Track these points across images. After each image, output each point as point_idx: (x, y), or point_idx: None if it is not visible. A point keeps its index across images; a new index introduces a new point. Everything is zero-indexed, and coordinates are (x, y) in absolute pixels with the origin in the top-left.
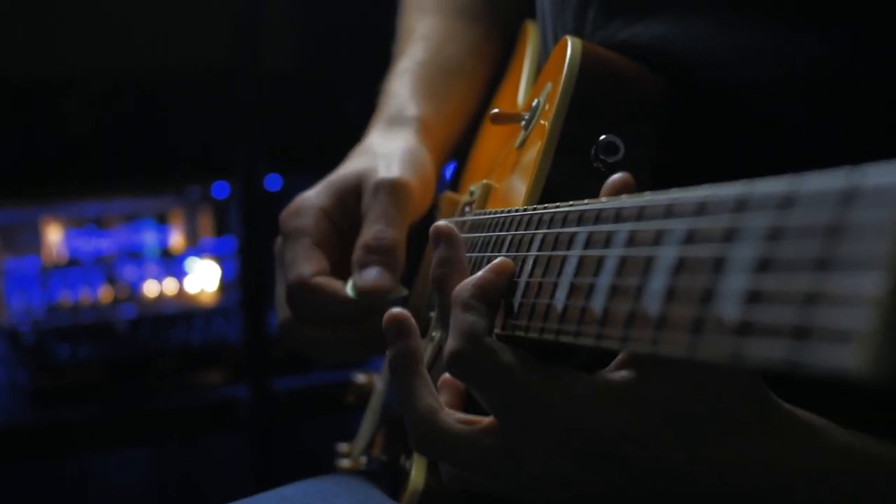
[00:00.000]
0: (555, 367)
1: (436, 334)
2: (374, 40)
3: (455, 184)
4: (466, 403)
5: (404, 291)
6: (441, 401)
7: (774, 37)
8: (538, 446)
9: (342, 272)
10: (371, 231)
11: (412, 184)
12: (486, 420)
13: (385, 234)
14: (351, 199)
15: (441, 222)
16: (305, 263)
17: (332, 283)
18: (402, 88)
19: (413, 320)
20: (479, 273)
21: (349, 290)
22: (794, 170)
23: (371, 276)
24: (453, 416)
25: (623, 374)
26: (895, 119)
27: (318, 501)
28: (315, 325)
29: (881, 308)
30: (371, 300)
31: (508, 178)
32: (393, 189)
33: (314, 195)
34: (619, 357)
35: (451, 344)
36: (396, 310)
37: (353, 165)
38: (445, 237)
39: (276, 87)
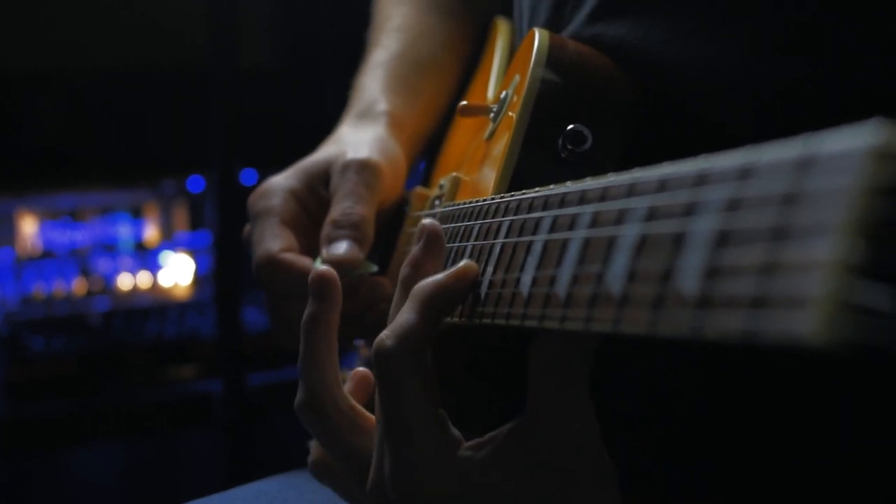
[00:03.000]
0: (442, 424)
1: None
2: (349, 36)
3: (426, 180)
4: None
5: (373, 267)
6: (342, 383)
7: (728, 50)
8: (381, 474)
9: (310, 254)
10: (339, 207)
11: (381, 164)
12: (372, 420)
13: (353, 210)
14: (319, 184)
15: (429, 220)
16: (273, 240)
17: (301, 258)
18: (373, 83)
19: (339, 284)
20: (442, 276)
21: (317, 265)
22: None
23: (339, 249)
24: (346, 400)
25: (485, 452)
26: None
27: (293, 495)
28: (285, 303)
29: (835, 273)
30: (339, 274)
31: (477, 170)
32: (361, 168)
33: (282, 178)
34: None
35: (383, 335)
36: (323, 268)
37: (322, 153)
38: (427, 237)
39: (253, 82)
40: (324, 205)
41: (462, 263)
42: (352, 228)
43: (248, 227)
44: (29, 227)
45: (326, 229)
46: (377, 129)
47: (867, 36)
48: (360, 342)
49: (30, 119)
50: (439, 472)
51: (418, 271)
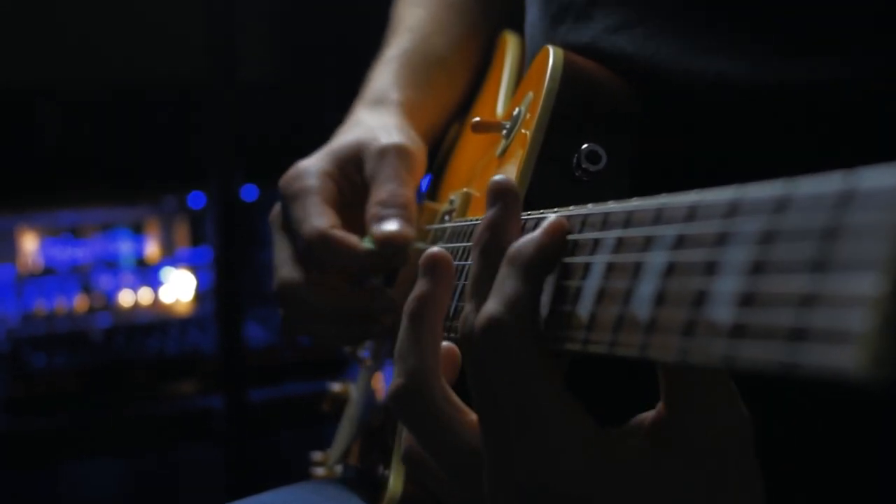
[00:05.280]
0: (572, 404)
1: None
2: (350, 51)
3: (433, 194)
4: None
5: (420, 244)
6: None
7: (735, 64)
8: (504, 477)
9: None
10: (385, 189)
11: (414, 151)
12: (471, 414)
13: (399, 192)
14: (351, 167)
15: (497, 178)
16: (320, 217)
17: (349, 235)
18: (386, 76)
19: (453, 268)
20: (537, 234)
21: (367, 244)
22: None
23: (391, 226)
24: (444, 391)
25: (635, 441)
26: (854, 150)
27: None
28: (325, 284)
29: (879, 309)
30: (391, 250)
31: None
32: (400, 153)
33: (315, 160)
34: (642, 418)
35: (491, 307)
36: (436, 249)
37: (348, 136)
38: (495, 194)
39: (253, 97)
40: (356, 188)
41: (552, 218)
42: (401, 208)
43: (276, 209)
44: (30, 244)
45: (374, 209)
46: (395, 117)
47: (875, 42)
48: (366, 355)
49: (30, 136)
50: (583, 461)
51: (495, 233)
